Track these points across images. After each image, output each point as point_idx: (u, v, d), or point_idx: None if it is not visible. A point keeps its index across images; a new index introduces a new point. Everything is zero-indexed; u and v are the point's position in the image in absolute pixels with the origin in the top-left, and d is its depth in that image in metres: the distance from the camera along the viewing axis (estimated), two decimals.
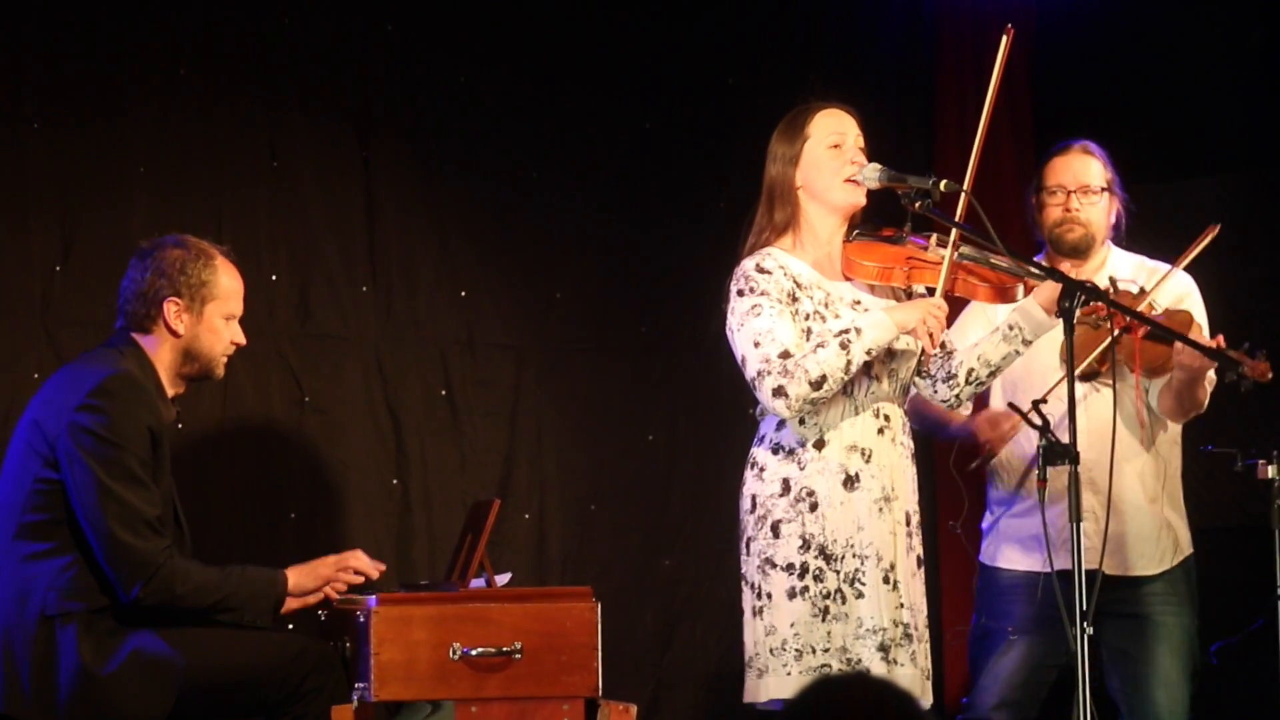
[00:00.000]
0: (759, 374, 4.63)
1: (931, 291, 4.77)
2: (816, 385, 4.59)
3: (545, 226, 6.27)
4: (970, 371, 4.82)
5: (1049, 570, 4.76)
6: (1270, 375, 5.06)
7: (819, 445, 4.69)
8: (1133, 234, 5.43)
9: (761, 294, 4.68)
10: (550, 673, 4.65)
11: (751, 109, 6.60)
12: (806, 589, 4.65)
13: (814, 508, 4.67)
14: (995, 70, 4.88)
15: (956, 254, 4.77)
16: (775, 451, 4.73)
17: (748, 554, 4.74)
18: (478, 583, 4.84)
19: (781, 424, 4.73)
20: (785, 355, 4.61)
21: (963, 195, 4.75)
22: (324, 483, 5.87)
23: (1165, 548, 5.30)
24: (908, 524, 4.77)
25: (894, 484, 4.73)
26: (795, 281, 4.70)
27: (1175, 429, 5.33)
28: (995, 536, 5.40)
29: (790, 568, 4.66)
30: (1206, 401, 5.24)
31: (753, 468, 4.77)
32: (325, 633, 4.89)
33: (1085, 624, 4.47)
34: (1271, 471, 5.24)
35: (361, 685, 4.59)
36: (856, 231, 4.84)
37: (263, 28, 5.85)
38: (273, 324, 5.81)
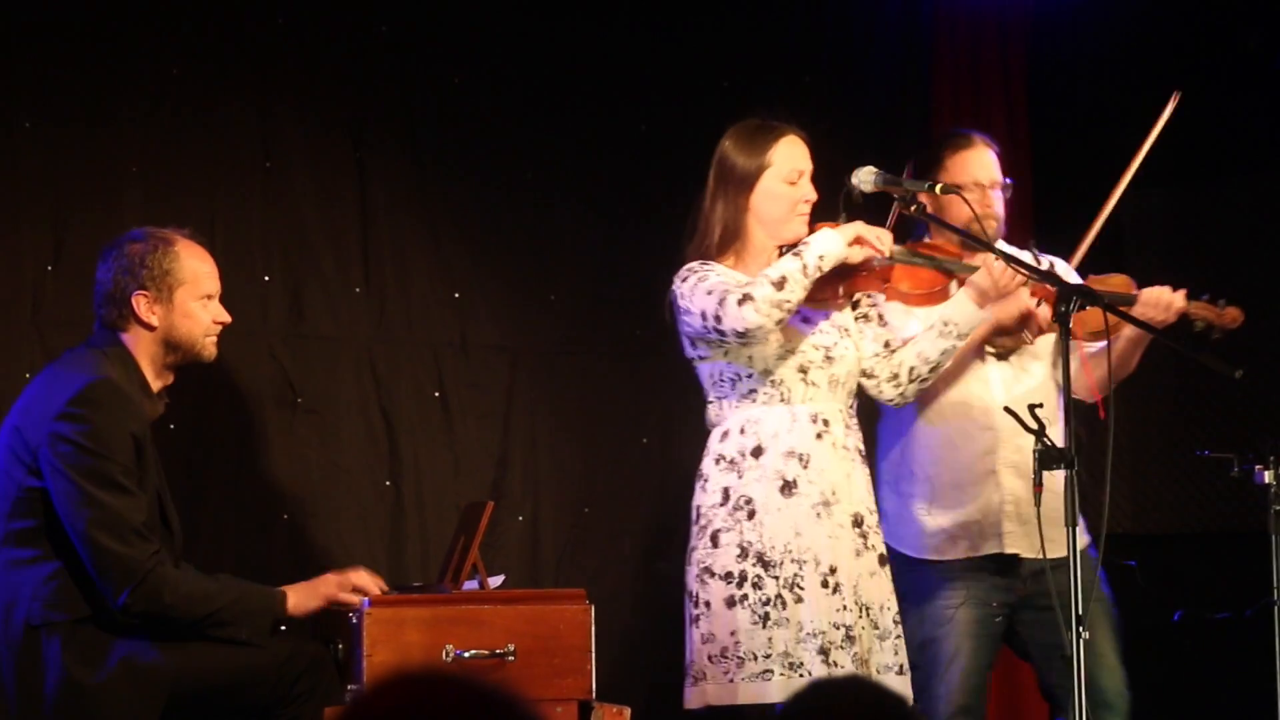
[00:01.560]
0: (721, 301, 4.72)
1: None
2: (779, 285, 4.66)
3: (539, 228, 6.27)
4: (912, 369, 4.95)
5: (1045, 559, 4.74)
6: (1242, 319, 5.08)
7: (757, 453, 4.80)
8: (1132, 235, 5.42)
9: (708, 269, 4.80)
10: (544, 675, 4.65)
11: (747, 112, 6.60)
12: (745, 597, 4.74)
13: (751, 515, 4.77)
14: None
15: (888, 256, 4.83)
16: (718, 462, 4.83)
17: (689, 564, 4.84)
18: (471, 585, 4.84)
19: (725, 435, 4.83)
20: (745, 282, 4.72)
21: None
22: (316, 484, 5.86)
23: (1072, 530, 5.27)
24: (859, 525, 4.83)
25: (835, 488, 4.80)
26: None
27: None
28: (920, 527, 5.25)
29: (728, 576, 4.75)
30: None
31: (699, 480, 4.88)
32: (317, 635, 4.88)
33: (1080, 627, 4.47)
34: (1268, 477, 5.26)
35: (354, 687, 4.58)
36: (786, 246, 4.88)
37: (256, 28, 5.84)
38: (265, 325, 5.81)
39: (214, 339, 4.70)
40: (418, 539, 5.97)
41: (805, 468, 4.79)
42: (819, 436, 4.81)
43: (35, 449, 4.45)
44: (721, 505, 4.80)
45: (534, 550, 6.15)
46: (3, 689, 4.42)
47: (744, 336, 4.72)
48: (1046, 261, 5.26)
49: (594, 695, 4.75)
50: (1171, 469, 5.49)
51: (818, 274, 4.69)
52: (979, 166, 5.25)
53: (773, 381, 4.82)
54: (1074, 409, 4.72)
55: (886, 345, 5.01)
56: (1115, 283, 5.17)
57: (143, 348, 4.61)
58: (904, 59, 6.93)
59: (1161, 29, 6.79)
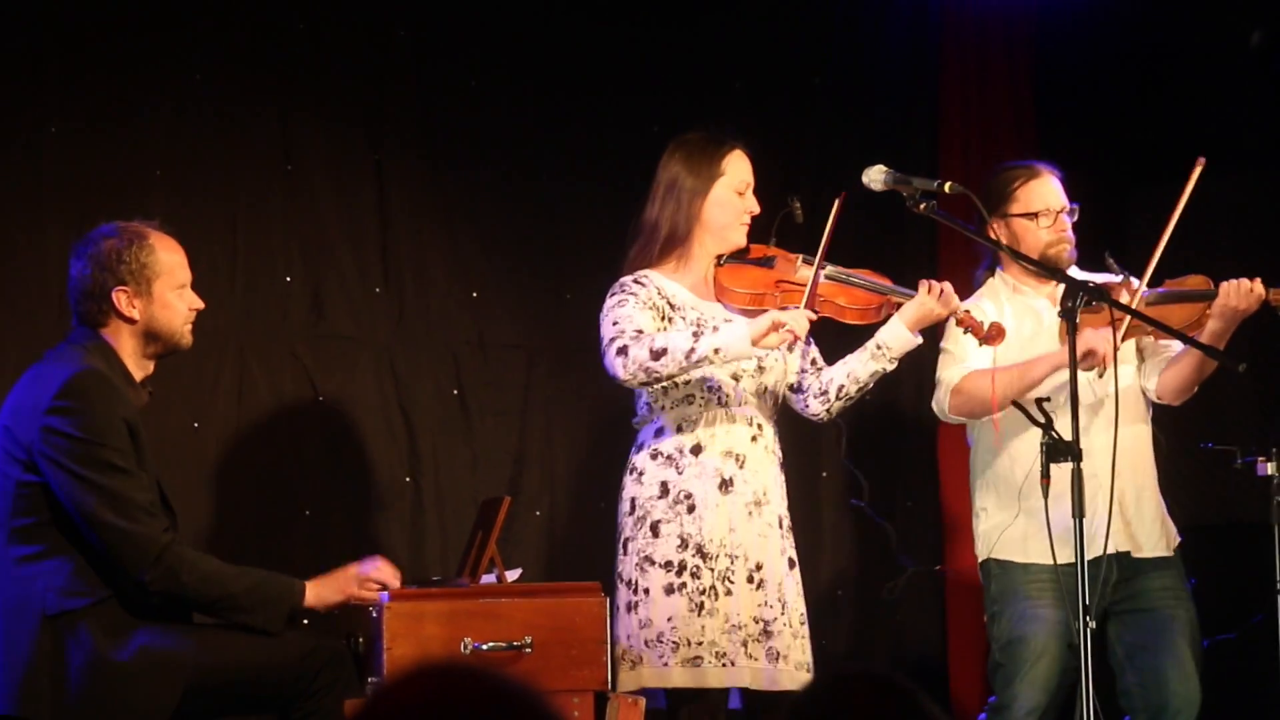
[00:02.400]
0: (610, 340, 4.93)
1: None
2: (656, 355, 4.85)
3: (555, 228, 6.29)
4: (840, 388, 5.10)
5: (1056, 565, 4.79)
6: None
7: (696, 451, 5.00)
8: (1130, 236, 5.47)
9: (630, 294, 4.99)
10: (560, 667, 4.66)
11: (757, 113, 6.64)
12: (684, 585, 4.94)
13: (692, 509, 4.97)
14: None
15: (823, 274, 4.99)
16: (654, 457, 5.04)
17: (625, 553, 5.03)
18: (488, 579, 4.83)
19: (660, 431, 5.03)
20: (640, 332, 4.91)
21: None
22: (337, 480, 5.91)
23: (1171, 530, 5.34)
24: (780, 526, 5.05)
25: (765, 489, 5.02)
26: (669, 302, 5.00)
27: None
28: (1011, 533, 5.31)
29: (669, 565, 4.95)
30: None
31: (631, 473, 5.08)
32: (337, 629, 4.91)
33: (1089, 618, 4.51)
34: (1271, 469, 5.27)
35: (374, 680, 4.59)
36: (724, 256, 5.10)
37: (277, 34, 5.88)
38: (287, 325, 5.86)
39: (190, 326, 4.69)
40: (437, 534, 6.00)
41: (741, 468, 5.01)
42: (754, 439, 5.04)
43: (28, 445, 4.45)
44: (661, 498, 5.00)
45: (550, 544, 6.18)
46: (26, 680, 4.40)
47: (613, 378, 4.95)
48: (1121, 274, 5.31)
49: (610, 686, 4.77)
50: (1173, 460, 5.52)
51: (704, 364, 4.87)
52: (1051, 194, 5.34)
53: (709, 386, 5.01)
54: (1153, 408, 4.79)
55: (814, 363, 5.18)
56: (1192, 282, 5.24)
57: (123, 341, 4.60)
58: (912, 62, 6.89)
59: (1168, 31, 6.81)
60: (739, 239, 5.10)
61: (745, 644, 4.91)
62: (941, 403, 5.32)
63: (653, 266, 5.09)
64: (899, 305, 5.04)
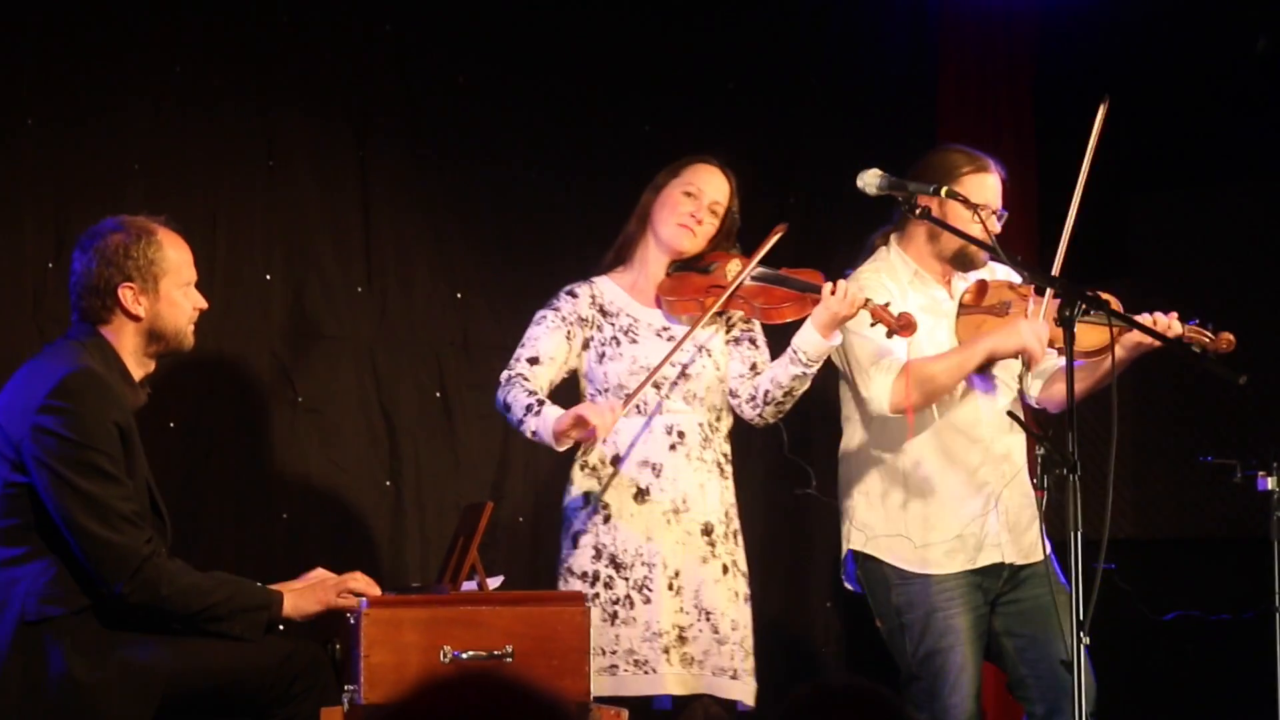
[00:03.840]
0: (512, 361, 5.20)
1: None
2: (503, 408, 5.17)
3: (541, 228, 6.29)
4: (767, 393, 5.19)
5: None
6: (1235, 344, 5.09)
7: (615, 461, 5.14)
8: (1130, 237, 5.42)
9: (553, 309, 5.22)
10: (541, 677, 4.61)
11: (752, 113, 6.61)
12: (598, 595, 5.08)
13: (608, 519, 5.13)
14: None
15: (749, 277, 5.12)
16: (583, 469, 5.21)
17: (557, 563, 5.20)
18: (469, 586, 4.82)
19: (589, 444, 5.14)
20: (534, 361, 5.16)
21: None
22: (317, 484, 5.87)
23: (1041, 534, 5.26)
24: (709, 534, 5.12)
25: (686, 497, 5.11)
26: (601, 309, 5.19)
27: None
28: (911, 540, 5.23)
29: (584, 575, 5.11)
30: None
31: (568, 484, 5.23)
32: (315, 635, 4.87)
33: (1082, 633, 4.47)
34: (1271, 483, 5.28)
35: (352, 688, 4.56)
36: (674, 265, 5.25)
37: (260, 27, 5.85)
38: (267, 324, 5.82)
39: (193, 326, 4.67)
40: (417, 539, 5.99)
41: (657, 476, 5.12)
42: (672, 448, 5.14)
43: (18, 444, 4.41)
44: (583, 509, 5.15)
45: (533, 551, 6.16)
46: (2, 687, 4.38)
47: None
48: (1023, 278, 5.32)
49: (591, 697, 4.73)
50: (1174, 474, 5.49)
51: (531, 435, 5.11)
52: (993, 193, 5.26)
53: (629, 396, 5.10)
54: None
55: (753, 368, 5.25)
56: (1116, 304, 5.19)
57: (125, 339, 4.57)
58: (910, 63, 6.94)
59: (1169, 34, 6.79)
60: (673, 238, 5.20)
61: (667, 651, 5.01)
62: (883, 397, 5.16)
63: (608, 272, 5.25)
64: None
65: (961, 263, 5.25)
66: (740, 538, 5.23)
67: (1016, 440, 5.21)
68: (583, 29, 6.38)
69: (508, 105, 6.24)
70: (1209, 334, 5.06)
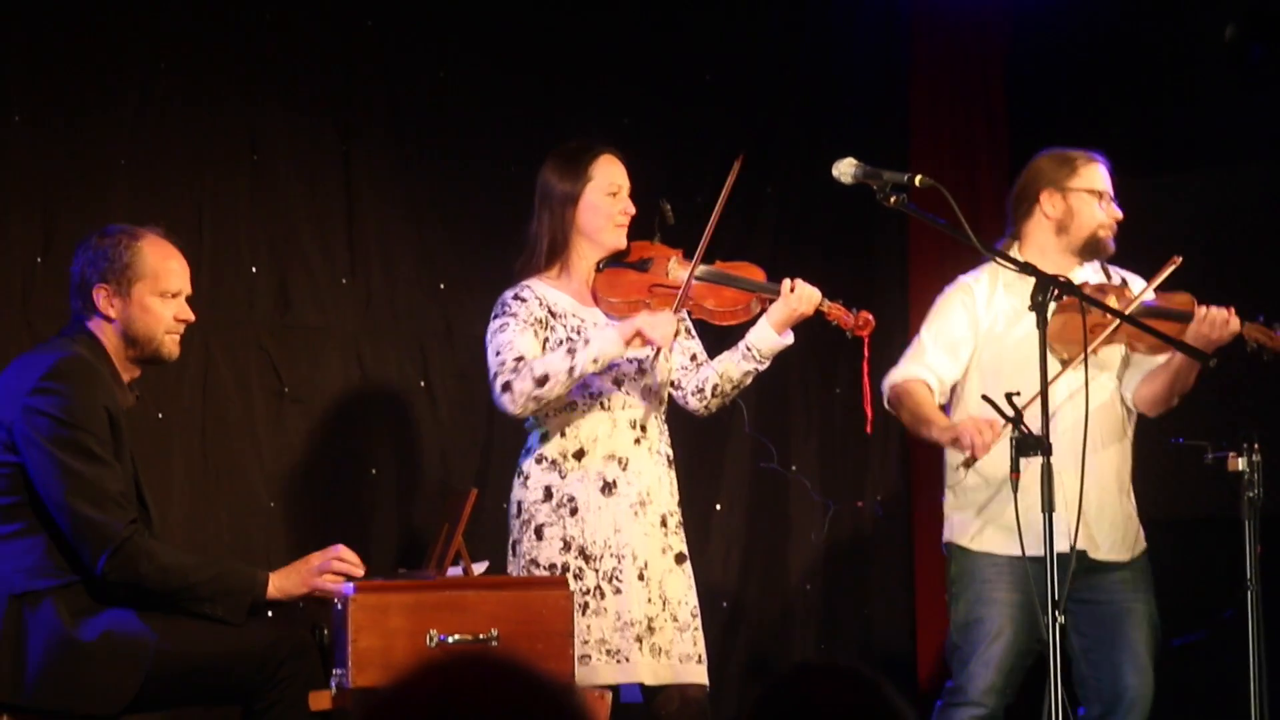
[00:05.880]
0: (494, 375, 5.04)
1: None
2: (540, 382, 4.99)
3: (522, 219, 6.26)
4: (715, 386, 5.22)
5: (1024, 557, 4.79)
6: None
7: (579, 455, 5.11)
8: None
9: (511, 315, 5.10)
10: (526, 659, 4.65)
11: (729, 106, 6.64)
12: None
13: (574, 512, 5.09)
14: (724, 189, 5.09)
15: (693, 275, 5.08)
16: (539, 462, 5.14)
17: (514, 555, 5.14)
18: (455, 571, 4.85)
19: (545, 437, 5.13)
20: (520, 360, 5.03)
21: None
22: (303, 473, 5.88)
23: (1132, 537, 5.41)
24: (665, 525, 5.13)
25: (649, 490, 5.11)
26: (550, 310, 5.10)
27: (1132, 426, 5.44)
28: (972, 520, 5.37)
29: (552, 567, 5.05)
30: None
31: (519, 477, 5.17)
32: (302, 620, 4.90)
33: (1057, 611, 4.53)
34: (1241, 464, 5.30)
35: (339, 672, 4.58)
36: (603, 262, 5.20)
37: (243, 22, 5.85)
38: (252, 315, 5.83)
39: (176, 337, 4.65)
40: (403, 527, 5.99)
41: (624, 470, 5.11)
42: (636, 442, 5.14)
43: (10, 425, 4.46)
44: (545, 502, 5.10)
45: None
46: None
47: (504, 414, 5.08)
48: (1118, 277, 5.40)
49: (576, 680, 4.78)
50: (1145, 456, 5.54)
51: (588, 373, 5.01)
52: (1107, 182, 5.42)
53: (591, 392, 5.11)
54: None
55: (694, 359, 5.28)
56: (1179, 300, 5.30)
57: (108, 339, 4.60)
58: (884, 53, 6.94)
59: (1141, 30, 6.82)
60: (615, 241, 5.19)
61: (639, 640, 5.01)
62: (884, 387, 5.43)
63: (539, 275, 5.19)
64: (771, 301, 5.11)
65: (1093, 250, 5.37)
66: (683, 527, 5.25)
67: (1100, 440, 5.22)
68: (562, 23, 6.37)
69: (488, 98, 6.24)
70: (1268, 331, 5.24)
